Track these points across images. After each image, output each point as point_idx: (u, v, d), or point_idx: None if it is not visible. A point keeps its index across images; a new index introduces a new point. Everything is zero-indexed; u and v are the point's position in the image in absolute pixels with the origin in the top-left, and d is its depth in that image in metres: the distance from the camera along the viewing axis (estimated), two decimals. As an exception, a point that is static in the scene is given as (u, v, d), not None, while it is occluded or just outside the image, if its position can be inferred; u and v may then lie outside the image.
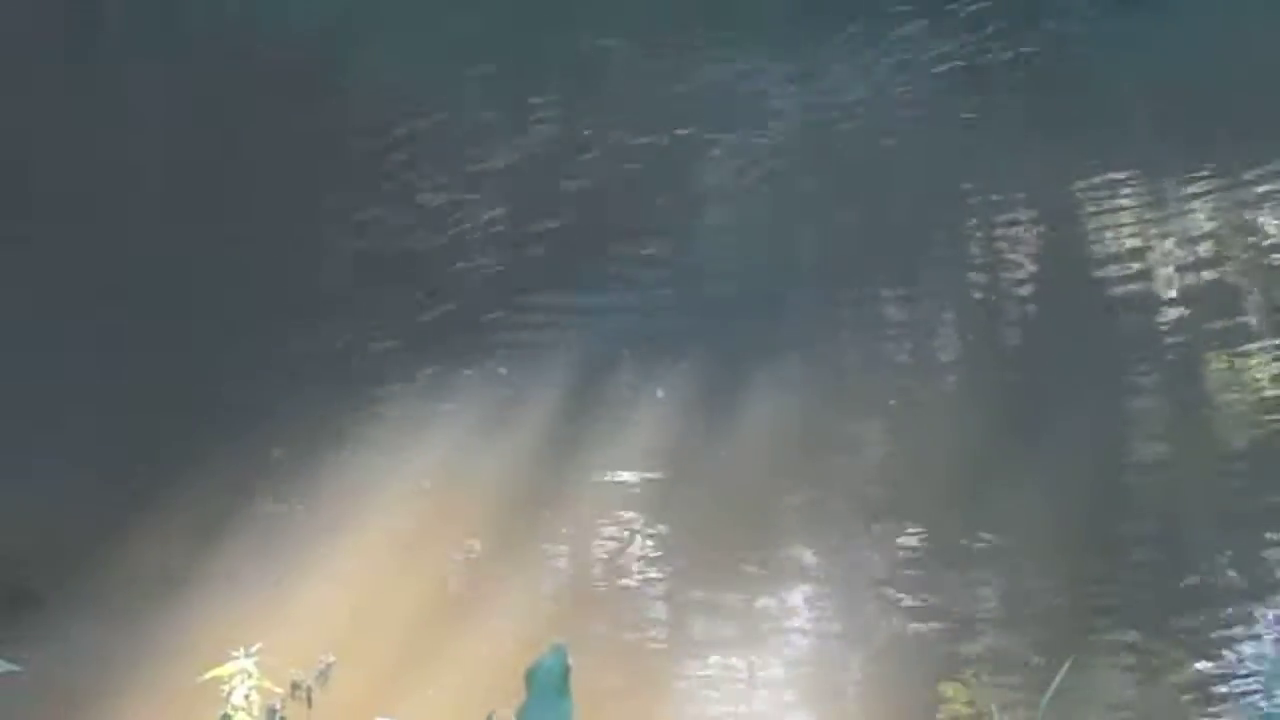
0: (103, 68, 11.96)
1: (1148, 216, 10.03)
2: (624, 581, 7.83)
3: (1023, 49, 11.69)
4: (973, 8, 12.13)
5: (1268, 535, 7.78)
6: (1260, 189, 10.17)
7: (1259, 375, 8.80)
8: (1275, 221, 9.96)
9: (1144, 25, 11.70)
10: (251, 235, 10.06)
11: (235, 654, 5.18)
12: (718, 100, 11.35)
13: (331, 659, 5.50)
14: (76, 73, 11.97)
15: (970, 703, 7.09)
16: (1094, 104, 11.03)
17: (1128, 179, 10.29)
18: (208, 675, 5.19)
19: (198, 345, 9.24)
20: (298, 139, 11.03)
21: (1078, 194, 10.25)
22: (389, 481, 8.29)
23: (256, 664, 5.21)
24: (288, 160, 10.80)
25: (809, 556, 7.88)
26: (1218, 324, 9.16)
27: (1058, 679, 5.33)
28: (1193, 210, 10.05)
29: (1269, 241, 9.80)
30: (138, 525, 7.93)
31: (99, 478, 8.30)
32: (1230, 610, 7.42)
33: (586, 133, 11.08)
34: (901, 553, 7.86)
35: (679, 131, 11.05)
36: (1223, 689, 7.05)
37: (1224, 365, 8.93)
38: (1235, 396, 8.73)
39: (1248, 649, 7.21)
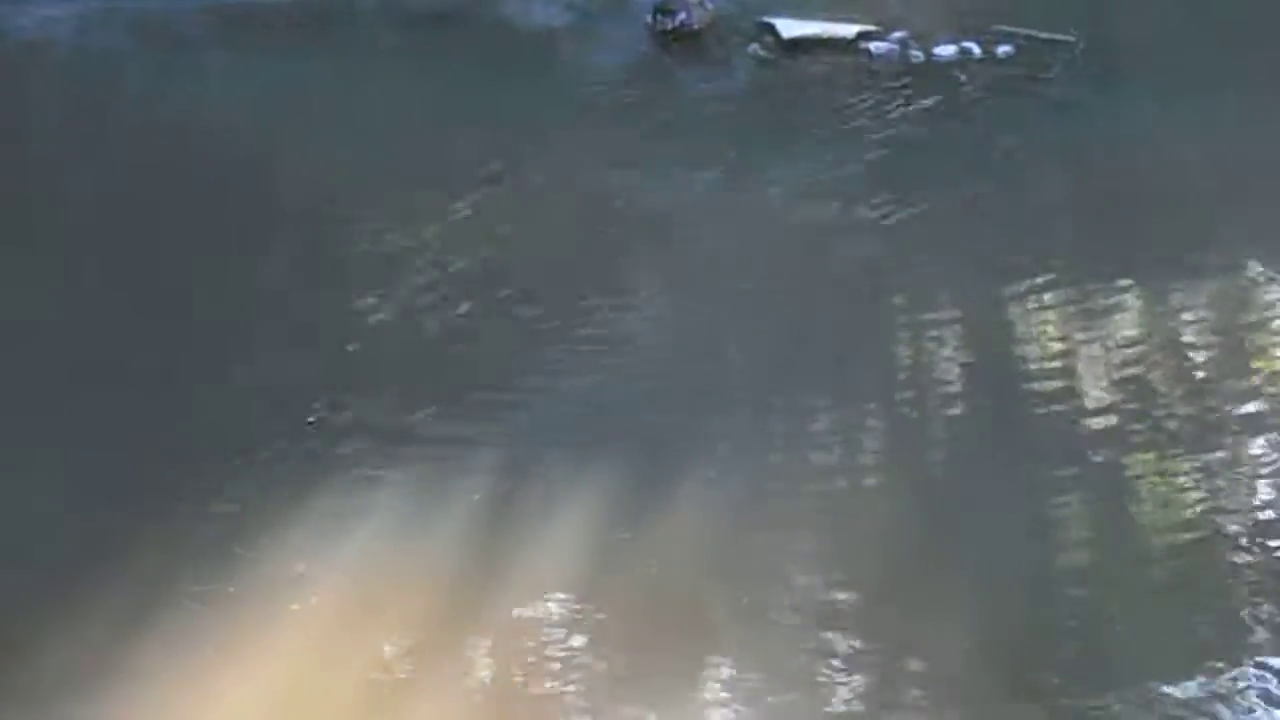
0: (31, 168, 11.91)
1: (1076, 323, 10.09)
2: (555, 680, 7.79)
3: (947, 156, 11.77)
4: (896, 117, 12.22)
5: (1193, 638, 7.83)
6: (1188, 294, 10.25)
7: (1183, 481, 8.84)
8: (1199, 328, 10.03)
9: (1072, 134, 11.83)
10: (167, 329, 10.00)
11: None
12: (637, 205, 11.36)
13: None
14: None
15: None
16: (1024, 210, 11.11)
17: (1058, 286, 10.35)
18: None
19: (101, 436, 9.14)
20: (224, 231, 10.99)
21: (1007, 301, 10.30)
22: (312, 580, 8.22)
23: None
24: (212, 252, 10.75)
25: (740, 658, 7.86)
26: (1144, 429, 9.21)
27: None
28: (1120, 316, 10.11)
29: (1194, 348, 9.87)
30: (60, 616, 7.84)
31: (17, 567, 8.21)
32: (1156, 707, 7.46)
33: (506, 237, 11.07)
34: (831, 653, 7.86)
35: (600, 237, 11.06)
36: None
37: (1150, 471, 8.97)
38: (1160, 503, 8.76)
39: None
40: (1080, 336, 9.99)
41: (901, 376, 9.79)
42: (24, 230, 10.94)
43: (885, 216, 11.02)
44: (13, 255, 10.64)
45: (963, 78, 12.61)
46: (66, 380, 9.57)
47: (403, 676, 7.75)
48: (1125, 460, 9.04)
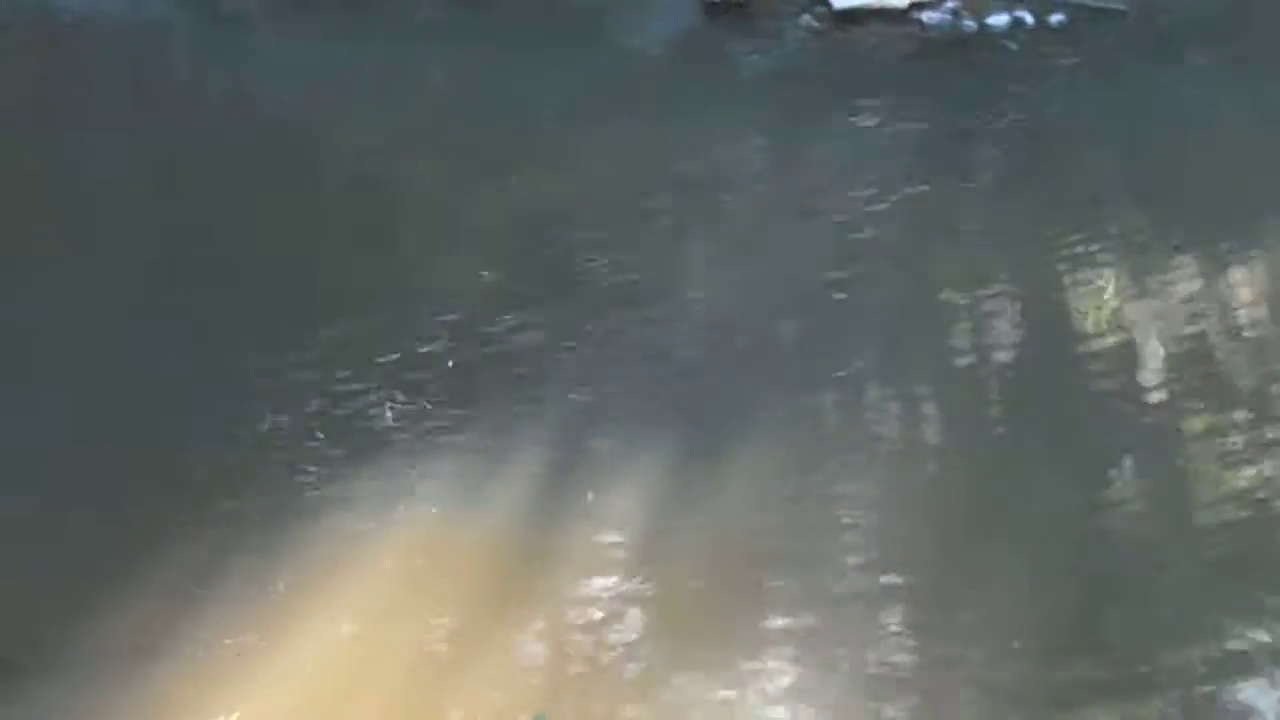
0: (80, 145, 11.95)
1: (1127, 293, 10.06)
2: (607, 653, 7.81)
3: (1000, 126, 11.74)
4: (948, 86, 12.20)
5: (1247, 613, 7.80)
6: (1241, 265, 10.22)
7: (1237, 453, 8.81)
8: (1252, 300, 10.00)
9: (1123, 104, 11.79)
10: (217, 301, 10.03)
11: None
12: (688, 176, 11.35)
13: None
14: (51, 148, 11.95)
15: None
16: (1075, 180, 11.09)
17: (1106, 255, 10.32)
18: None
19: (164, 412, 9.17)
20: (270, 214, 11.03)
21: (1056, 270, 10.27)
22: (365, 552, 8.25)
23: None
24: (258, 235, 10.78)
25: (795, 619, 7.87)
26: (1198, 400, 9.17)
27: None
28: (1172, 288, 10.08)
29: (1247, 319, 9.83)
30: (113, 591, 7.87)
31: (73, 544, 8.24)
32: (1204, 688, 7.44)
33: (559, 209, 11.06)
34: (882, 633, 7.85)
35: (652, 207, 11.05)
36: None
37: (1203, 441, 8.94)
38: (1214, 471, 8.73)
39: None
40: (1131, 307, 9.96)
41: (950, 346, 9.78)
42: (70, 204, 10.99)
43: (936, 186, 11.01)
44: (60, 228, 10.69)
45: (1014, 47, 12.58)
46: (135, 342, 9.67)
47: (469, 633, 7.79)
48: (1179, 431, 9.02)
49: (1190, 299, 10.00)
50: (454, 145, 11.64)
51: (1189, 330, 9.74)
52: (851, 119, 11.76)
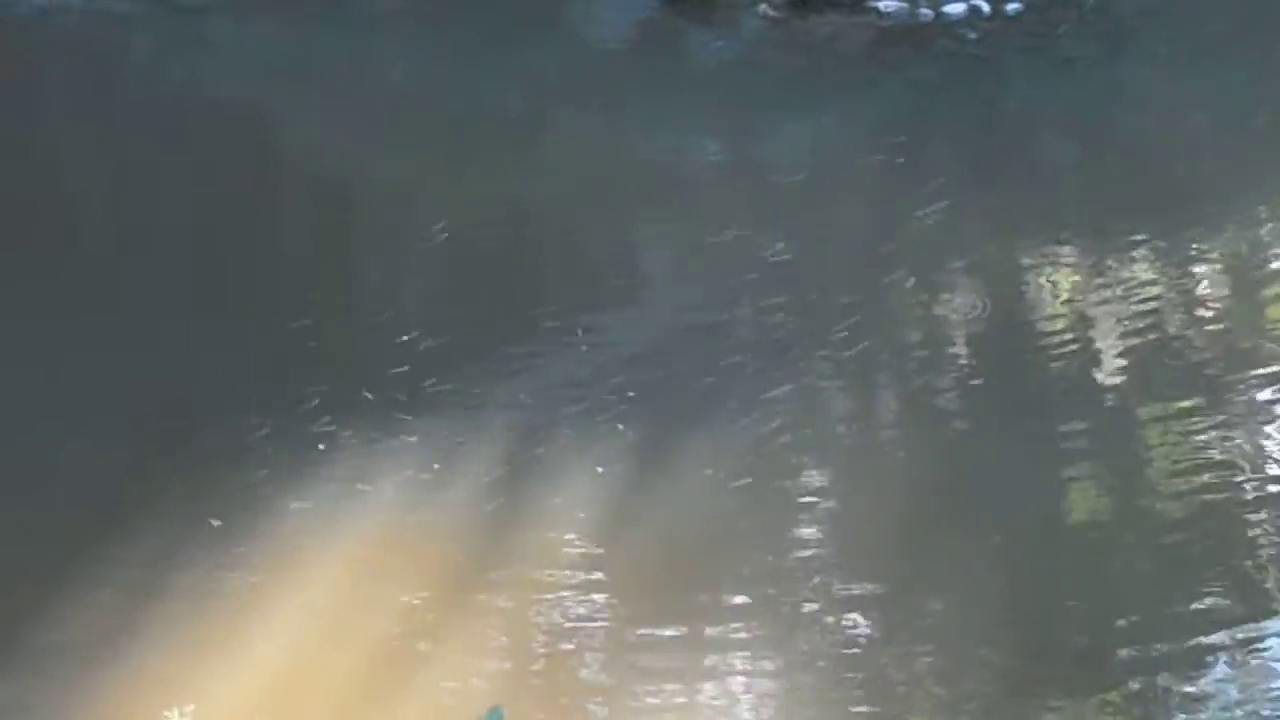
0: (40, 133, 11.92)
1: (1088, 280, 10.08)
2: (567, 645, 7.80)
3: (956, 114, 11.76)
4: (905, 75, 12.21)
5: (1203, 597, 7.82)
6: (1196, 252, 10.25)
7: (1198, 439, 8.83)
8: (1208, 285, 10.02)
9: (1078, 91, 11.81)
10: (178, 299, 10.03)
11: (168, 715, 5.14)
12: (648, 167, 11.36)
13: (266, 720, 5.44)
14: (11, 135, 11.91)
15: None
16: (1032, 167, 11.12)
17: (1068, 243, 10.35)
18: (141, 736, 5.15)
19: (117, 410, 9.15)
20: (231, 203, 11.01)
21: (1014, 256, 10.29)
22: (324, 544, 8.24)
23: (190, 725, 5.17)
24: (221, 225, 10.76)
25: (751, 610, 7.89)
26: (1157, 388, 9.20)
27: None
28: (1128, 273, 10.10)
29: (1204, 306, 9.86)
30: (70, 585, 7.86)
31: (28, 538, 8.23)
32: (1162, 672, 7.48)
33: (518, 200, 11.05)
34: (842, 617, 7.87)
35: (613, 198, 11.06)
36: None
37: (1163, 429, 8.96)
38: (1173, 461, 8.75)
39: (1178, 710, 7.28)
40: (1088, 291, 9.98)
41: (909, 333, 9.79)
42: (33, 198, 10.96)
43: (893, 174, 11.03)
44: (22, 224, 10.67)
45: (971, 35, 12.60)
46: (90, 339, 9.62)
47: (428, 625, 7.77)
48: (1137, 417, 9.03)
49: (1148, 284, 10.03)
50: (413, 138, 11.63)
51: (1147, 316, 9.76)
52: (808, 107, 11.78)
